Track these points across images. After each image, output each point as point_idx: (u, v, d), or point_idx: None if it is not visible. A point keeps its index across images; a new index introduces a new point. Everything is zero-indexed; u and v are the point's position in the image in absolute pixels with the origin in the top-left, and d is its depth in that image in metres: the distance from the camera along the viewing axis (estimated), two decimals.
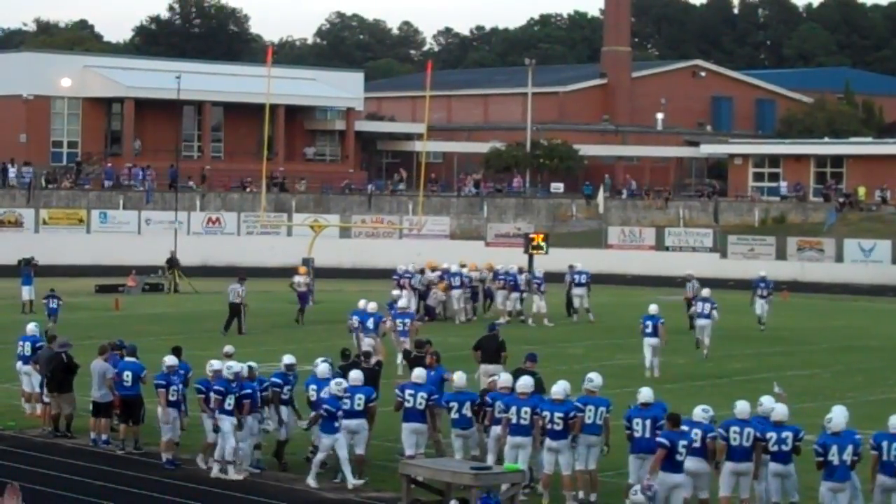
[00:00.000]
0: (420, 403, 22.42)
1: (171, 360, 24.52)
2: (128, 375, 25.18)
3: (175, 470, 23.46)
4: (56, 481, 22.39)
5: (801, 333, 47.03)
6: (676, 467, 19.16)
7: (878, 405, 28.29)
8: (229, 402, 22.97)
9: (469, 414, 22.18)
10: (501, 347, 29.21)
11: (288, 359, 24.28)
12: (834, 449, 18.85)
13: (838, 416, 19.18)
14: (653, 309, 36.75)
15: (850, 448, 18.81)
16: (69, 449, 25.16)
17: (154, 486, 22.29)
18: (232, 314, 43.39)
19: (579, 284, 49.22)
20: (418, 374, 23.07)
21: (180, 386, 24.32)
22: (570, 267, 49.91)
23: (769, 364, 38.25)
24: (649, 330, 35.90)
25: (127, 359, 25.57)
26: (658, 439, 19.40)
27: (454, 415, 22.22)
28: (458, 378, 22.88)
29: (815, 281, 66.76)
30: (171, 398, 24.07)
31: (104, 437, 25.39)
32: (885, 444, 18.77)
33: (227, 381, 23.11)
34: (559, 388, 21.54)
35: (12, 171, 77.44)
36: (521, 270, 49.27)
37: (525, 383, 21.71)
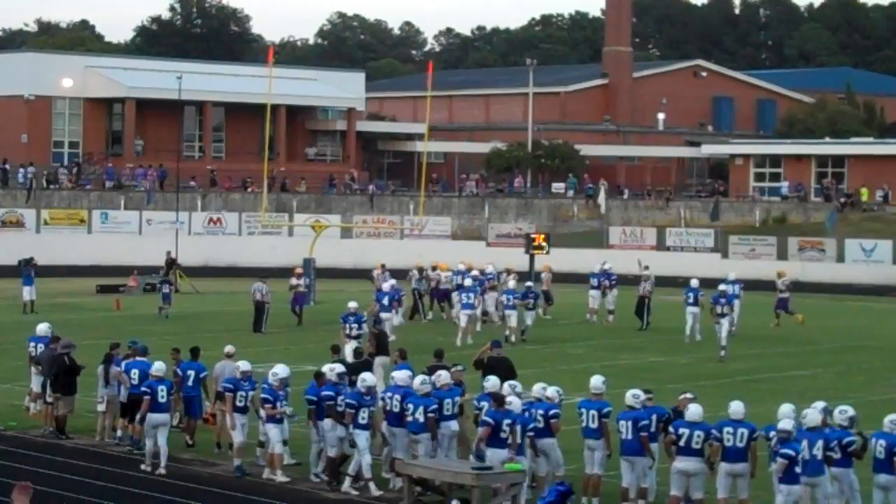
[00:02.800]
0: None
1: (244, 365, 23.93)
2: (135, 374, 25.20)
3: (242, 478, 22.91)
4: (57, 481, 22.39)
5: (802, 334, 46.99)
6: (502, 443, 20.41)
7: (880, 405, 28.28)
8: (363, 416, 22.13)
9: (422, 419, 21.80)
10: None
11: (340, 368, 23.16)
12: (804, 443, 18.93)
13: (812, 412, 19.33)
14: (694, 283, 43.61)
15: (819, 443, 18.83)
16: (70, 449, 25.17)
17: (155, 485, 22.29)
18: (258, 313, 43.88)
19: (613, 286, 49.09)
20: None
21: (249, 392, 23.55)
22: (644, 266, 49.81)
23: (771, 364, 38.29)
24: (691, 300, 42.59)
25: (137, 358, 25.61)
26: (483, 418, 20.69)
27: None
28: (418, 382, 22.44)
29: (817, 281, 66.65)
30: (238, 403, 23.40)
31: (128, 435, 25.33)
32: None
33: (359, 394, 22.24)
34: (537, 388, 21.70)
35: (20, 173, 77.30)
36: (508, 271, 48.60)
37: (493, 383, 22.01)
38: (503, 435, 20.46)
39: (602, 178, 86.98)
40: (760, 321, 47.89)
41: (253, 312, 44.34)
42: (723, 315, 39.32)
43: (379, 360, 29.39)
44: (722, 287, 41.15)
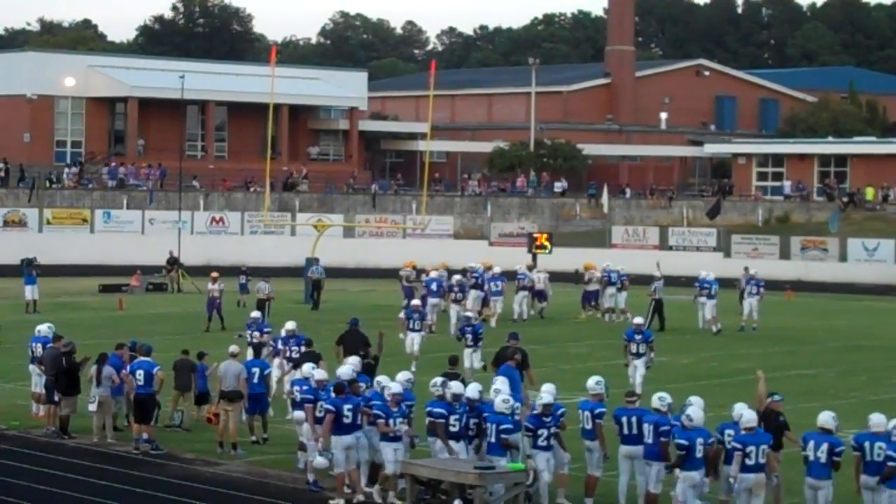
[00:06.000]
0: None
1: (319, 373, 22.72)
2: (140, 374, 25.17)
3: (319, 492, 21.95)
4: (60, 481, 22.39)
5: (804, 333, 47.02)
6: (343, 429, 21.01)
7: (882, 404, 28.25)
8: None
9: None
10: (365, 343, 29.61)
11: (457, 387, 21.37)
12: (811, 445, 18.94)
13: (824, 415, 19.22)
14: (703, 273, 46.54)
15: (824, 446, 18.81)
16: (72, 449, 25.15)
17: (157, 485, 22.28)
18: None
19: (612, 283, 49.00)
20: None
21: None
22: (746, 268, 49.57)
23: (773, 363, 38.20)
24: (709, 292, 45.54)
25: (141, 358, 25.58)
26: (325, 405, 21.16)
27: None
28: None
29: (819, 280, 66.71)
30: (318, 414, 21.82)
31: (144, 436, 25.24)
32: (867, 444, 18.83)
33: (448, 403, 21.05)
34: (546, 388, 21.56)
35: (65, 172, 77.03)
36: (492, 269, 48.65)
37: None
38: (345, 420, 20.98)
39: (565, 177, 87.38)
40: (761, 320, 47.81)
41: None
42: (638, 355, 31.56)
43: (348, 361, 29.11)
44: (637, 321, 32.68)
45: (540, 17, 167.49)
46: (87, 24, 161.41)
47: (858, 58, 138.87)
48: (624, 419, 20.65)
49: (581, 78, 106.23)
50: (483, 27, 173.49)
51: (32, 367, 28.27)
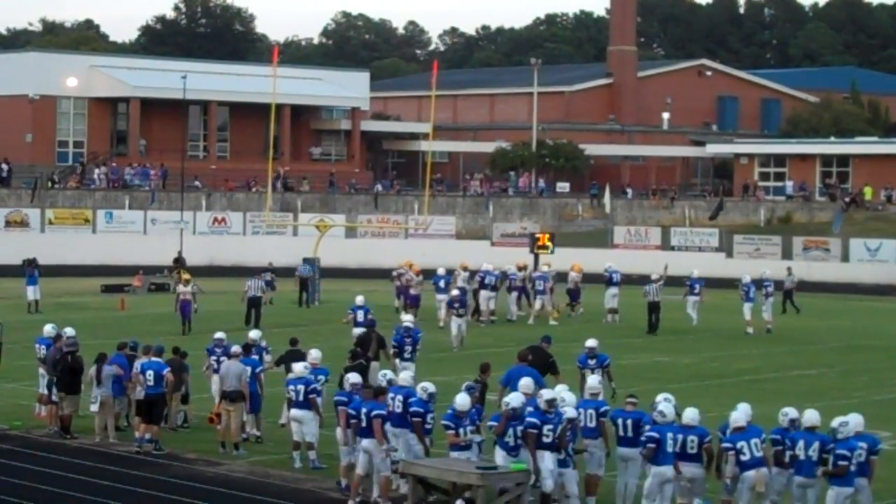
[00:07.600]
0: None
1: (354, 377, 22.44)
2: (150, 374, 25.18)
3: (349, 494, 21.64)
4: (62, 481, 22.40)
5: (807, 333, 47.01)
6: (359, 432, 21.09)
7: (885, 405, 28.30)
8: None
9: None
10: (382, 344, 30.04)
11: (548, 393, 20.53)
12: (801, 444, 18.88)
13: (810, 413, 19.22)
14: (696, 273, 48.01)
15: (816, 444, 18.83)
16: (74, 449, 25.14)
17: (159, 485, 22.28)
18: (252, 308, 44.85)
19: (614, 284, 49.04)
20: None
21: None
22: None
23: (776, 363, 38.26)
24: (696, 290, 47.14)
25: (151, 358, 25.59)
26: (348, 410, 21.30)
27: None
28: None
29: (821, 280, 66.63)
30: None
31: (147, 436, 25.16)
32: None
33: (542, 412, 20.17)
34: (592, 380, 21.82)
35: (95, 172, 76.96)
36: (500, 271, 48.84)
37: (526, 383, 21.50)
38: (362, 423, 21.02)
39: (567, 178, 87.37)
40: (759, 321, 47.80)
41: (250, 309, 44.83)
42: (597, 370, 26.95)
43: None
44: (589, 343, 27.70)
45: (542, 17, 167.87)
46: (89, 24, 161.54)
47: (860, 58, 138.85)
48: (620, 421, 20.64)
49: (583, 78, 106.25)
50: (485, 27, 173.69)
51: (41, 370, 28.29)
